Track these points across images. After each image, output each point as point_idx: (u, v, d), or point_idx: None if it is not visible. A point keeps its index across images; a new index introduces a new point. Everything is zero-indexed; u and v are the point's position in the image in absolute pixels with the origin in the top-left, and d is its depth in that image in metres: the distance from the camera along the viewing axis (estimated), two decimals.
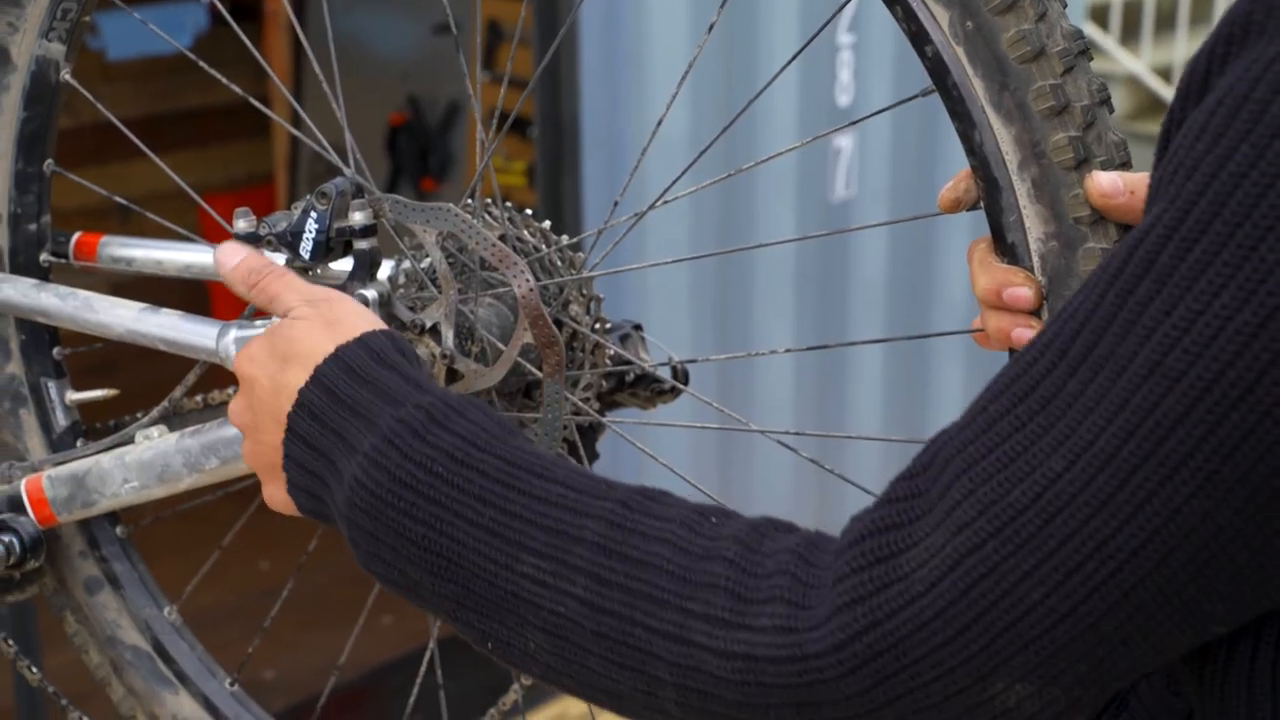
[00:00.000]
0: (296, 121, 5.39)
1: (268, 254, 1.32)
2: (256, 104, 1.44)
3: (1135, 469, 0.80)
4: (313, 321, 1.10)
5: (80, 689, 1.65)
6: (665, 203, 1.33)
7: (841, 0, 1.29)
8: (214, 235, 5.43)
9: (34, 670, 1.63)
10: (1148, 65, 6.25)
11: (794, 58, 1.28)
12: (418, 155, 4.96)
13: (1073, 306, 0.87)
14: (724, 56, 3.58)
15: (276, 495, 1.10)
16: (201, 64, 1.40)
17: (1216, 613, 0.84)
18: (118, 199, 1.51)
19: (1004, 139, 1.10)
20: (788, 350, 1.46)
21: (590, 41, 3.47)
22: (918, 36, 1.12)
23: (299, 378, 1.06)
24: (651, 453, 1.36)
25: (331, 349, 1.06)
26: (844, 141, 3.90)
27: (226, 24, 1.45)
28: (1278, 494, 0.79)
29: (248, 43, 1.43)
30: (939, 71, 1.12)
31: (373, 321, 1.10)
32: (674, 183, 1.32)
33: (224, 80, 1.35)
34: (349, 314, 1.10)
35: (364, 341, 1.07)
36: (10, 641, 1.63)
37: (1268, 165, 0.78)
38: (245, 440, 1.13)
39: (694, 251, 3.55)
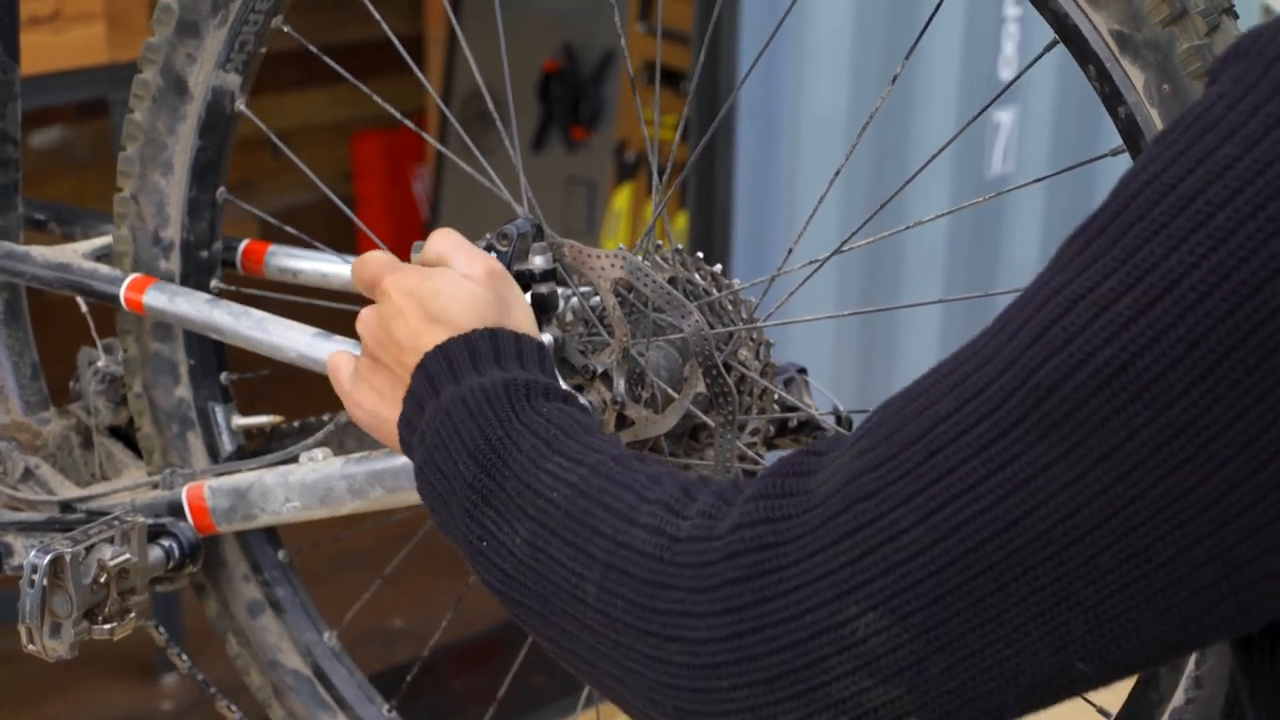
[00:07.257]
0: (451, 57, 5.38)
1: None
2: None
3: (1013, 425, 0.83)
4: (479, 287, 1.14)
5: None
6: (841, 251, 1.31)
7: None
8: (365, 173, 5.37)
9: (184, 658, 1.65)
10: None
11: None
12: (570, 103, 4.95)
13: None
14: (887, 25, 3.52)
15: (365, 399, 1.15)
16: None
17: (1074, 634, 0.83)
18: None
19: None
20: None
21: (751, 3, 3.42)
22: (1111, 97, 1.09)
23: (439, 336, 1.11)
24: None
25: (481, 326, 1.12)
26: (1004, 115, 3.82)
27: None
28: (1142, 483, 0.81)
29: None
30: (1132, 134, 1.09)
31: (531, 321, 1.16)
32: (853, 235, 1.30)
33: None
34: (515, 300, 1.17)
35: (528, 336, 1.14)
36: (161, 629, 1.65)
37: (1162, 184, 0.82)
38: (369, 341, 1.16)
39: (845, 222, 3.50)
